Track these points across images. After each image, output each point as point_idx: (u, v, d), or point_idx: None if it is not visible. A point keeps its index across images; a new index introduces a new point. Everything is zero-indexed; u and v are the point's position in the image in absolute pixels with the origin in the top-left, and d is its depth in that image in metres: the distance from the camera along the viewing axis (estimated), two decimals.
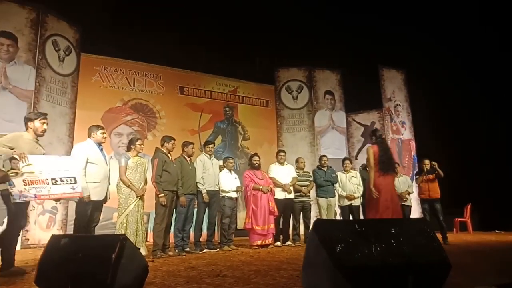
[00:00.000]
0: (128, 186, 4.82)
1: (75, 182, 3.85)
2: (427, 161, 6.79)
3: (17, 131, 6.17)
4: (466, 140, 11.10)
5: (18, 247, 5.97)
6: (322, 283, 2.28)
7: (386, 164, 4.96)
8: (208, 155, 5.90)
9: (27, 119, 3.79)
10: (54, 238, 2.85)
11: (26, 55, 6.63)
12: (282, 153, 6.72)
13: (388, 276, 2.22)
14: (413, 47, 11.09)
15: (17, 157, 3.41)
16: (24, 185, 3.47)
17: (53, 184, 3.69)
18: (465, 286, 2.60)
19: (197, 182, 5.57)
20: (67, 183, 3.79)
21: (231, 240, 5.96)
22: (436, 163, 6.56)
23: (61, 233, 6.42)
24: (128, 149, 5.18)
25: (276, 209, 6.14)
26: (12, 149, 3.48)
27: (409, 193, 6.91)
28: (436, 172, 6.52)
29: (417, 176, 6.82)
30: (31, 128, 3.77)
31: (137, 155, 5.12)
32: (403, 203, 6.81)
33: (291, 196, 6.43)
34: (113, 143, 7.74)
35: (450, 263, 2.37)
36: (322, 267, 2.29)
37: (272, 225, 6.15)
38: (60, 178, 3.76)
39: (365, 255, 2.24)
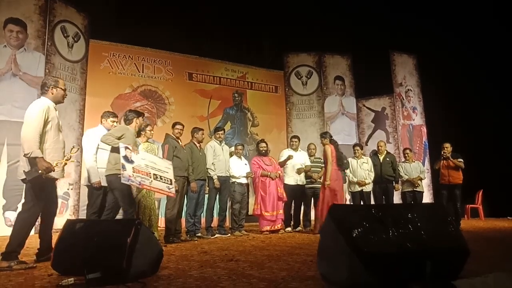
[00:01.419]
0: None
1: (171, 184, 4.47)
2: (446, 145, 6.70)
3: None
4: (478, 126, 10.93)
5: (32, 232, 6.07)
6: (339, 269, 2.26)
7: (340, 160, 5.96)
8: (218, 141, 5.89)
9: (133, 116, 4.32)
10: (69, 222, 2.87)
11: (35, 42, 6.61)
12: (295, 139, 6.68)
13: (406, 262, 2.19)
14: (425, 31, 10.86)
15: (130, 147, 4.01)
16: (133, 172, 4.02)
17: (154, 179, 4.26)
18: (482, 272, 2.56)
19: (207, 168, 5.57)
20: (165, 183, 4.38)
21: (242, 226, 5.98)
22: (453, 159, 6.53)
23: (73, 218, 6.48)
24: (138, 135, 5.18)
25: (284, 195, 6.14)
26: (120, 138, 4.03)
27: (421, 179, 6.84)
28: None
29: (439, 162, 6.76)
30: (136, 123, 4.33)
31: (147, 141, 5.12)
32: (414, 189, 6.77)
33: (302, 182, 6.41)
34: None
35: (469, 249, 2.34)
36: (339, 253, 2.27)
37: (281, 211, 6.16)
38: (160, 177, 4.34)
39: (382, 240, 2.21)
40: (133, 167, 4.00)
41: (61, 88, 3.45)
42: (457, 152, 6.76)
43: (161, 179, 4.34)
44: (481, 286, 2.03)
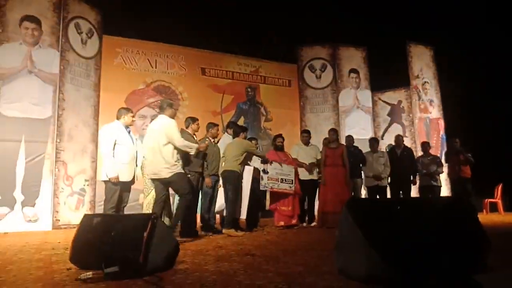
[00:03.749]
0: None
1: (292, 183, 5.83)
2: (456, 140, 6.66)
3: (42, 115, 6.36)
4: (497, 118, 10.68)
5: (49, 228, 6.18)
6: (357, 263, 2.22)
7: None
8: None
9: (239, 130, 5.55)
10: (86, 217, 2.88)
11: (50, 39, 6.67)
12: (305, 134, 6.63)
13: (425, 255, 2.14)
14: (442, 22, 10.62)
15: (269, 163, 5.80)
16: (267, 180, 5.63)
17: (280, 182, 5.72)
18: (504, 267, 2.49)
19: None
20: (287, 183, 5.79)
21: (257, 220, 5.95)
22: (466, 154, 6.48)
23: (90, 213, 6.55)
24: None
25: (299, 190, 6.09)
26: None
27: (438, 173, 6.71)
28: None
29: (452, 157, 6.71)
30: (243, 136, 5.54)
31: None
32: (433, 183, 6.65)
33: (316, 177, 6.35)
34: (137, 125, 7.76)
35: (491, 243, 2.28)
36: (357, 247, 2.23)
37: (297, 206, 6.11)
38: (285, 179, 5.77)
39: (401, 233, 2.17)
40: (268, 177, 5.59)
41: (175, 108, 4.51)
42: (468, 147, 6.76)
43: (286, 181, 5.74)
44: (502, 281, 1.98)
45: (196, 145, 4.53)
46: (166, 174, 4.21)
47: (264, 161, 5.70)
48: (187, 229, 4.80)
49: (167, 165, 4.20)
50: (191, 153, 4.52)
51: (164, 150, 4.20)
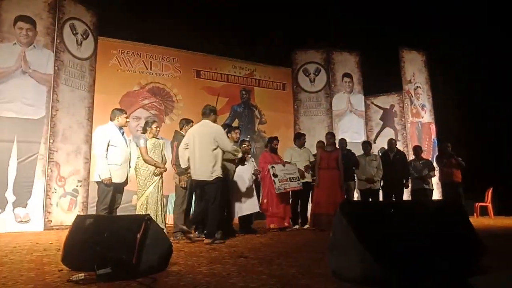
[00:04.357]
0: (154, 165, 4.86)
1: (299, 180, 5.96)
2: (447, 145, 6.76)
3: (36, 115, 6.32)
4: (488, 123, 10.81)
5: (41, 229, 6.13)
6: (351, 265, 2.23)
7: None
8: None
9: (228, 130, 5.35)
10: (79, 218, 2.87)
11: (44, 39, 6.64)
12: (304, 137, 6.67)
13: (419, 257, 2.16)
14: (434, 28, 10.74)
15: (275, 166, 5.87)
16: (279, 182, 5.72)
17: (290, 181, 5.83)
18: (498, 269, 2.52)
19: None
20: (295, 181, 5.90)
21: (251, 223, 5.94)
22: (458, 158, 6.60)
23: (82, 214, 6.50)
24: (144, 131, 5.19)
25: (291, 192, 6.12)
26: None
27: (430, 177, 6.78)
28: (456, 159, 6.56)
29: (445, 160, 6.81)
30: (233, 137, 5.36)
31: (153, 137, 5.11)
32: (425, 187, 6.71)
33: (309, 179, 6.37)
34: (131, 127, 7.74)
35: (486, 246, 2.31)
36: (351, 249, 2.24)
37: (289, 208, 6.11)
38: (293, 178, 5.88)
39: (395, 236, 2.18)
40: (279, 180, 5.69)
41: (217, 116, 4.76)
42: (463, 150, 6.87)
43: (294, 179, 5.87)
44: (497, 283, 2.00)
45: (240, 149, 4.77)
46: (209, 177, 4.37)
47: (241, 159, 5.29)
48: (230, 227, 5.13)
49: (213, 168, 4.38)
50: (238, 156, 4.78)
51: (213, 154, 4.38)
